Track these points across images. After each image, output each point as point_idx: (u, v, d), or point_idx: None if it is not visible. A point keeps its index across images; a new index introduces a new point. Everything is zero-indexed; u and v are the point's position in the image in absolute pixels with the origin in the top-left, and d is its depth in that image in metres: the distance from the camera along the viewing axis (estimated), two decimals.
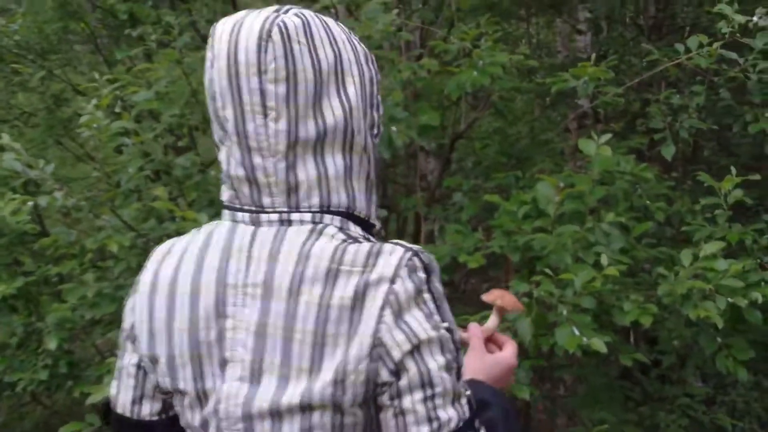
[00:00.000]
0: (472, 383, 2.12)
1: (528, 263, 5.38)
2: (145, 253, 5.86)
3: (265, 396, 1.89)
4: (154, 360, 2.06)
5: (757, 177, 5.46)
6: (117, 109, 5.96)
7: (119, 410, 2.18)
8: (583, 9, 9.93)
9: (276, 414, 1.88)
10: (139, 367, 2.14)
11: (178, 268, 2.03)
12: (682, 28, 9.59)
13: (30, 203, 5.25)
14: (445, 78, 5.89)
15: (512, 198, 5.45)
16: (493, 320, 2.43)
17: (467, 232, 5.60)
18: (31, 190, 5.59)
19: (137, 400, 2.17)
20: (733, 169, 5.40)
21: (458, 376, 1.90)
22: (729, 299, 4.80)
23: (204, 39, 7.08)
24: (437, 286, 1.92)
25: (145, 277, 2.10)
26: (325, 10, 5.41)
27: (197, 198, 6.07)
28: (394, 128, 5.18)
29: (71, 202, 5.33)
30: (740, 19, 5.66)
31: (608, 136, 5.37)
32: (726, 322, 4.82)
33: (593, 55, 5.86)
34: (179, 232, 5.64)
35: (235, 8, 7.26)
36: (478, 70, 5.51)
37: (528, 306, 4.91)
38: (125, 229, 5.74)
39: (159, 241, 5.81)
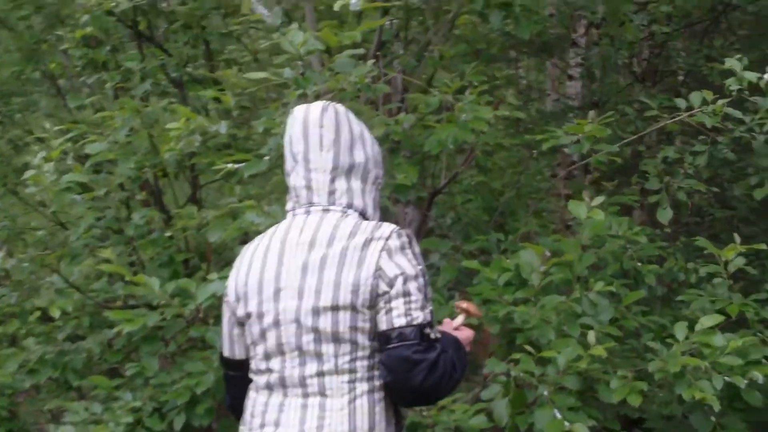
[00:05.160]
0: (440, 331, 3.14)
1: (508, 335, 4.96)
2: (98, 313, 5.51)
3: (308, 303, 3.01)
4: (239, 299, 3.20)
5: (763, 246, 5.10)
6: (69, 161, 5.54)
7: (226, 353, 3.38)
8: (576, 55, 9.57)
9: (316, 312, 3.00)
10: (232, 322, 3.30)
11: (258, 246, 3.22)
12: (675, 73, 9.26)
13: None
14: (425, 132, 5.50)
15: (493, 264, 5.06)
16: (460, 318, 3.42)
17: (442, 300, 5.20)
18: None
19: (233, 347, 3.34)
20: (737, 237, 5.05)
21: (425, 297, 3.00)
22: (726, 378, 4.43)
23: (174, 83, 6.67)
24: (416, 247, 3.08)
25: (239, 260, 3.26)
26: (294, 62, 5.04)
27: (155, 256, 5.68)
28: None
29: (10, 263, 4.94)
30: (751, 76, 5.32)
31: (601, 198, 5.03)
32: (721, 400, 4.45)
33: (591, 113, 5.44)
34: (130, 296, 5.27)
35: (209, 51, 6.88)
36: (459, 126, 5.13)
37: (505, 386, 4.56)
38: (71, 290, 5.33)
39: (112, 301, 5.43)
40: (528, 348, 4.56)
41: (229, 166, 4.88)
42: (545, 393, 4.48)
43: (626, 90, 8.77)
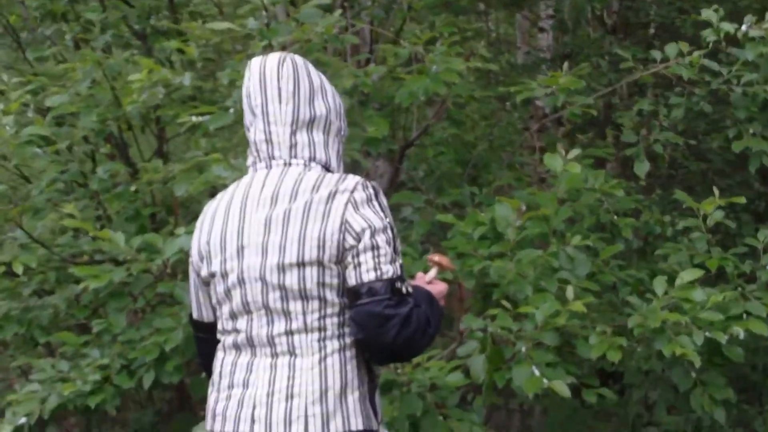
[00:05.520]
0: (412, 285, 3.08)
1: (483, 289, 4.85)
2: (64, 268, 5.36)
3: (272, 260, 2.94)
4: (202, 259, 3.13)
5: (742, 200, 5.01)
6: (31, 114, 5.36)
7: (195, 316, 3.32)
8: (546, 7, 9.41)
9: (281, 269, 2.92)
10: (197, 284, 3.23)
11: (219, 204, 3.14)
12: (646, 26, 9.14)
13: None
14: (395, 84, 5.36)
15: (468, 217, 4.92)
16: (433, 272, 3.30)
17: (416, 254, 5.07)
18: None
19: (201, 308, 3.27)
20: (716, 190, 4.97)
21: (395, 250, 2.94)
22: (707, 333, 4.35)
23: (137, 35, 6.49)
24: (382, 199, 3.01)
25: (201, 219, 3.19)
26: (258, 11, 4.89)
27: (122, 210, 5.52)
28: None
29: None
30: (728, 27, 5.24)
31: (577, 151, 4.92)
32: (701, 355, 4.38)
33: (565, 65, 5.33)
34: (98, 251, 5.12)
35: (172, 2, 6.69)
36: (431, 77, 4.99)
37: (482, 342, 4.47)
38: (35, 245, 5.18)
39: (79, 256, 5.28)
40: (505, 303, 4.44)
41: (194, 119, 4.74)
42: (523, 349, 4.38)
43: (598, 42, 8.61)
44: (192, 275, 3.25)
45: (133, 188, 5.28)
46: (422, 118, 5.99)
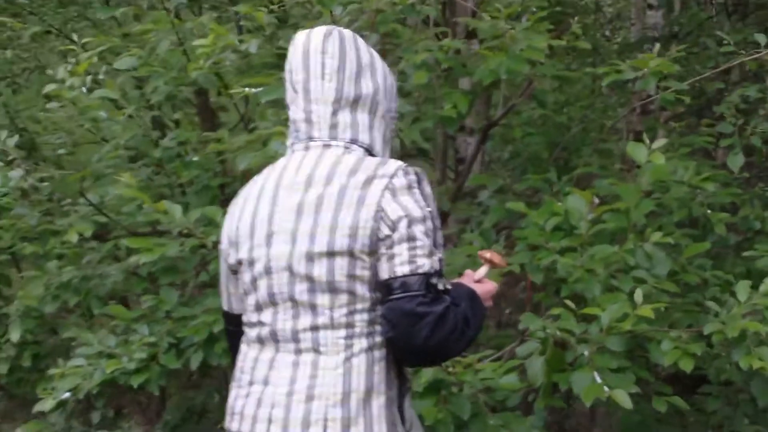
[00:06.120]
0: (455, 282, 2.93)
1: (554, 285, 4.56)
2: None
3: (301, 248, 2.74)
4: (231, 245, 2.95)
5: None
6: (102, 76, 5.21)
7: (225, 308, 3.16)
8: None
9: (309, 258, 2.72)
10: (226, 273, 3.05)
11: (252, 187, 2.96)
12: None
13: None
14: (476, 60, 5.08)
15: (542, 207, 4.63)
16: (483, 269, 3.09)
17: (486, 241, 4.80)
18: None
19: (230, 299, 3.10)
20: None
21: (434, 243, 2.72)
22: None
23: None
24: (425, 187, 2.78)
25: (234, 202, 3.01)
26: None
27: (195, 180, 5.34)
28: None
29: (29, 182, 4.66)
30: None
31: (663, 141, 4.57)
32: None
33: (656, 46, 5.00)
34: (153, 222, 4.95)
35: None
36: (510, 56, 4.70)
37: (543, 341, 4.21)
38: (96, 214, 5.07)
39: (135, 227, 5.11)
40: (568, 303, 4.16)
41: (246, 90, 4.52)
42: (586, 353, 4.09)
43: (710, 22, 8.16)
44: (222, 263, 3.08)
45: (194, 158, 5.09)
46: (510, 98, 5.70)
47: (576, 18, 5.26)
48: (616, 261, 4.37)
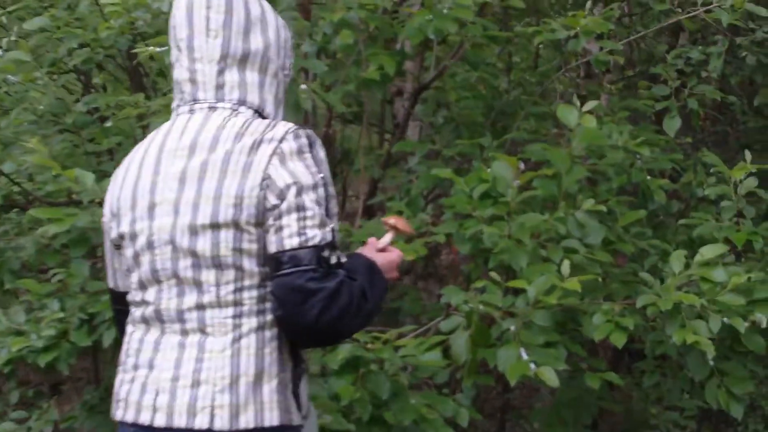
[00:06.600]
0: (353, 254, 2.78)
1: (482, 255, 4.37)
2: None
3: (184, 220, 2.56)
4: (113, 217, 2.76)
5: None
6: (13, 38, 4.96)
7: (110, 285, 2.97)
8: None
9: (193, 231, 2.55)
10: (109, 247, 2.87)
11: (135, 154, 2.77)
12: None
13: None
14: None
15: (471, 174, 4.44)
16: (387, 236, 2.95)
17: (413, 211, 4.61)
18: None
19: (116, 276, 2.92)
20: (748, 154, 4.49)
21: (327, 212, 2.55)
22: (725, 319, 3.87)
23: None
24: (318, 151, 2.62)
25: (117, 170, 2.82)
26: None
27: (122, 143, 5.08)
28: (303, 86, 4.20)
29: None
30: None
31: (594, 103, 4.39)
32: (722, 341, 4.03)
33: (588, 2, 4.84)
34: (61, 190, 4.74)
35: None
36: (435, 14, 4.49)
37: (468, 316, 4.00)
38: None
39: (50, 196, 4.89)
40: (494, 275, 3.98)
41: (151, 49, 4.28)
42: (512, 328, 3.92)
43: None
44: (105, 237, 2.88)
45: (108, 124, 4.85)
46: (441, 60, 5.50)
47: None
48: (547, 230, 4.22)
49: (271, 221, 2.51)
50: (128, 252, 2.70)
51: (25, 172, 5.05)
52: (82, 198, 4.46)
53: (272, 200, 2.50)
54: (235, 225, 2.52)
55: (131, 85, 5.90)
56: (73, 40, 4.92)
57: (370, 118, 6.80)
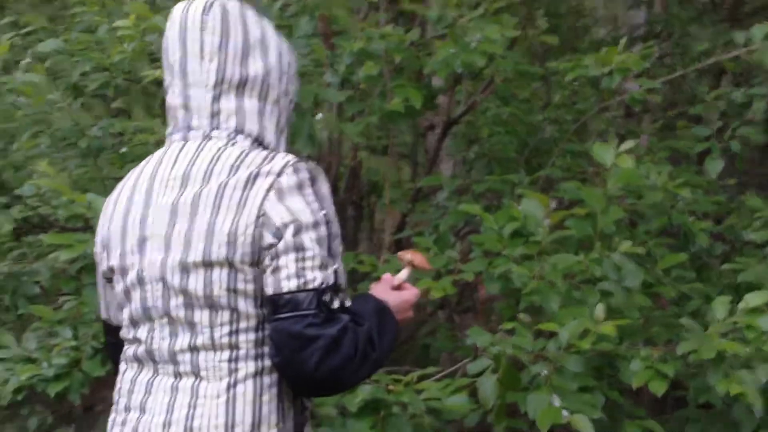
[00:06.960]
0: (362, 294, 2.63)
1: (513, 293, 4.19)
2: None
3: (175, 257, 2.41)
4: (103, 249, 2.63)
5: None
6: (28, 59, 4.89)
7: (103, 316, 2.84)
8: None
9: (184, 269, 2.40)
10: (101, 279, 2.74)
11: (126, 182, 2.64)
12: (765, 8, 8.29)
13: None
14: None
15: (500, 211, 4.28)
16: (404, 273, 2.76)
17: (441, 248, 4.43)
18: None
19: (109, 308, 2.79)
20: None
21: (329, 252, 2.37)
22: None
23: None
24: (320, 186, 2.44)
25: (108, 199, 2.69)
26: None
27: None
28: (320, 115, 4.05)
29: None
30: None
31: (632, 142, 4.26)
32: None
33: (623, 40, 4.75)
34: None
35: None
36: (461, 47, 4.37)
37: (496, 359, 3.81)
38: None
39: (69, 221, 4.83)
40: (522, 317, 3.84)
41: (158, 72, 4.15)
42: (543, 373, 3.73)
43: (695, 20, 7.78)
44: (97, 267, 2.74)
45: (122, 150, 4.74)
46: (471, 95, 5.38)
47: (541, 11, 4.96)
48: (580, 271, 4.02)
49: (267, 261, 2.36)
50: (119, 287, 2.58)
51: (45, 196, 4.96)
52: (94, 224, 4.36)
53: (268, 239, 2.35)
54: (229, 264, 2.37)
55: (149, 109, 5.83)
56: (87, 64, 4.85)
57: (402, 151, 6.67)
